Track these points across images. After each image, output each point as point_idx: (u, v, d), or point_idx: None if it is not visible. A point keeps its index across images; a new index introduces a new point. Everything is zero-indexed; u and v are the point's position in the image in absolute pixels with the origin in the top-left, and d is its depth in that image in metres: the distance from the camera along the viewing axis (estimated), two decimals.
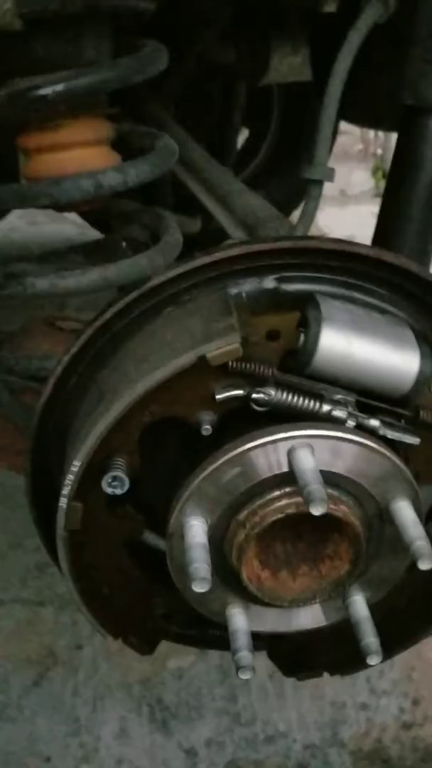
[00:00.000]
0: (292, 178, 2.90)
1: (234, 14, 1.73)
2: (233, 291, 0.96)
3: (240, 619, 0.96)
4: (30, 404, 1.09)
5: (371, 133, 5.48)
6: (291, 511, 0.90)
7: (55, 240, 3.74)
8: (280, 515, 0.90)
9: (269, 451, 0.90)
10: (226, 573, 0.94)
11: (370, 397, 0.95)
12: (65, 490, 0.89)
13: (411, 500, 0.94)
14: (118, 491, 0.90)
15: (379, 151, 5.53)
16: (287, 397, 0.92)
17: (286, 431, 0.89)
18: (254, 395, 0.91)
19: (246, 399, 0.92)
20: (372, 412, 0.95)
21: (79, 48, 1.04)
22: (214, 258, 0.95)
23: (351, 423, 0.93)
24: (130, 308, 0.98)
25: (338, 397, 0.93)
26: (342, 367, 0.92)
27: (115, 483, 0.90)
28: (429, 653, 1.79)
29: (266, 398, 0.91)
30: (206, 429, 0.92)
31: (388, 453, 0.93)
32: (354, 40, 1.19)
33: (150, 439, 0.94)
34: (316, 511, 0.83)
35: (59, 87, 0.98)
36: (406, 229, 1.28)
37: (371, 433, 0.94)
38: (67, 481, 0.89)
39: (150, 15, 1.12)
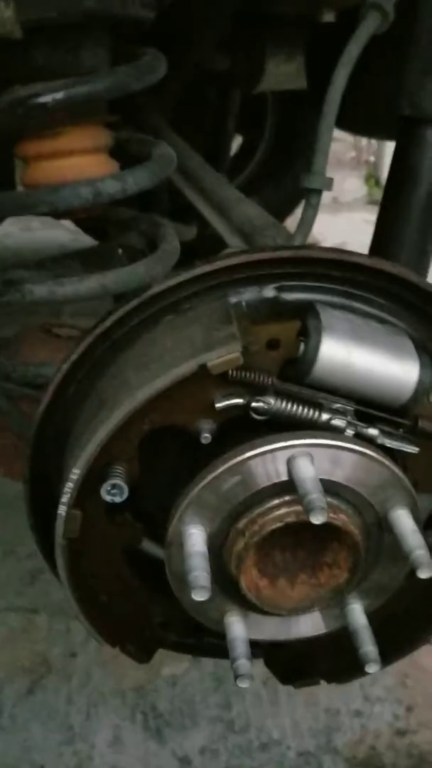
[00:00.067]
0: (286, 185, 2.91)
1: (231, 22, 1.74)
2: (233, 300, 0.96)
3: (238, 627, 0.95)
4: (28, 411, 1.08)
5: (364, 140, 5.51)
6: (290, 519, 0.90)
7: (49, 246, 3.74)
8: (279, 524, 0.90)
9: (269, 460, 0.90)
10: (224, 581, 0.94)
11: (370, 406, 0.95)
12: (64, 498, 0.89)
13: (410, 509, 0.94)
14: (117, 499, 0.90)
15: (372, 159, 5.56)
16: (287, 405, 0.92)
17: (285, 440, 0.89)
18: (254, 404, 0.91)
19: (246, 407, 0.92)
20: (371, 421, 0.95)
21: (79, 56, 1.05)
22: (215, 267, 0.95)
23: (350, 432, 0.93)
24: (129, 316, 0.98)
25: (337, 406, 0.94)
26: (341, 377, 0.92)
27: (115, 491, 0.89)
28: (423, 660, 1.80)
29: (266, 407, 0.91)
30: (206, 437, 0.92)
31: (387, 462, 0.93)
32: (353, 49, 1.19)
33: (149, 447, 0.94)
34: (317, 520, 0.83)
35: (59, 95, 0.98)
36: (403, 239, 1.29)
37: (370, 442, 0.94)
38: (66, 489, 0.89)
39: (149, 24, 1.12)
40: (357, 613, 0.99)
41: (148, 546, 1.00)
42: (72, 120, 1.06)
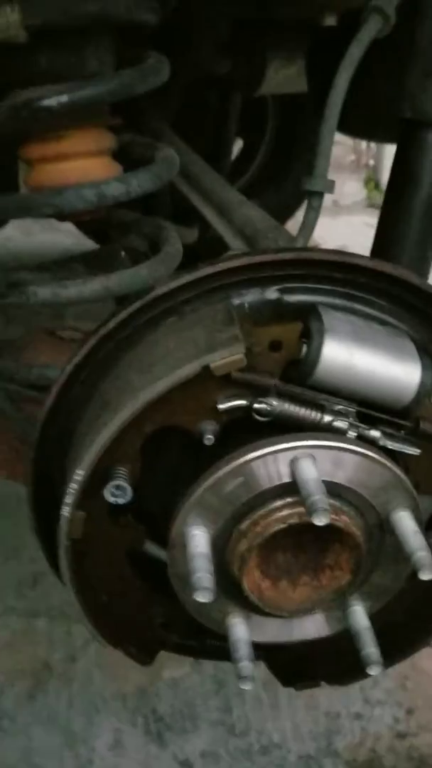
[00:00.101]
0: (287, 188, 2.91)
1: (231, 26, 1.75)
2: (236, 302, 0.96)
3: (241, 629, 0.95)
4: (31, 413, 1.09)
5: (363, 144, 5.52)
6: (293, 521, 0.90)
7: (51, 250, 3.74)
8: (281, 525, 0.90)
9: (271, 462, 0.90)
10: (227, 583, 0.94)
11: (372, 408, 0.95)
12: (68, 499, 0.89)
13: (411, 510, 0.94)
14: (121, 500, 0.90)
15: (372, 162, 5.57)
16: (289, 407, 0.92)
17: (288, 442, 0.90)
18: (256, 405, 0.91)
19: (248, 409, 0.92)
20: (373, 422, 0.95)
21: (83, 59, 1.05)
22: (218, 268, 0.95)
23: (352, 434, 0.93)
24: (132, 318, 0.98)
25: (339, 407, 0.94)
26: (344, 378, 0.93)
27: (118, 492, 0.89)
28: (423, 663, 1.80)
29: (268, 408, 0.91)
30: (208, 439, 0.92)
31: (388, 463, 0.93)
32: (355, 52, 1.19)
33: (152, 448, 0.94)
34: (320, 521, 0.84)
35: (63, 98, 0.99)
36: (404, 242, 1.29)
37: (372, 443, 0.94)
38: (70, 490, 0.89)
39: (153, 28, 1.13)
40: (359, 614, 0.99)
41: (151, 548, 1.00)
42: (76, 123, 1.06)
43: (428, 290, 0.98)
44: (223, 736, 1.66)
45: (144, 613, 1.06)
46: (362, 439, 0.94)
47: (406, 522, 0.94)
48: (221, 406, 0.91)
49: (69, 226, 3.38)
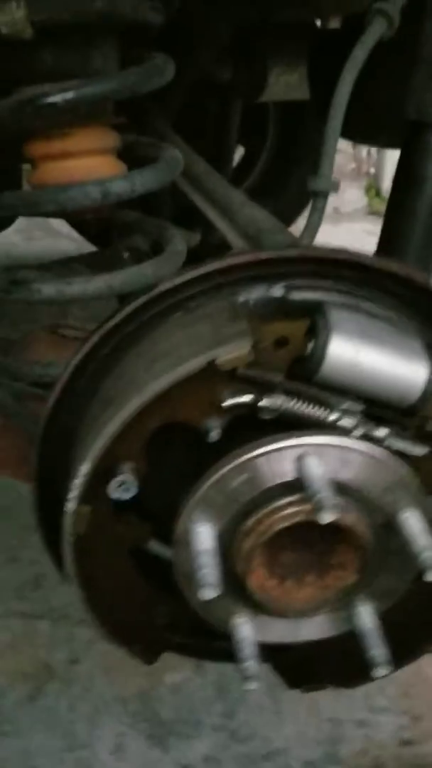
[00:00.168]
0: (287, 195, 2.92)
1: (234, 29, 1.75)
2: (241, 298, 0.96)
3: (246, 629, 0.95)
4: (34, 410, 1.08)
5: (364, 152, 5.54)
6: (299, 519, 0.90)
7: (53, 255, 3.75)
8: (287, 523, 0.90)
9: (277, 459, 0.90)
10: (232, 582, 0.93)
11: (378, 407, 0.95)
12: (73, 493, 0.88)
13: (418, 511, 0.94)
14: (126, 496, 0.90)
15: (372, 170, 5.59)
16: (294, 404, 0.92)
17: (294, 439, 0.89)
18: (262, 402, 0.91)
19: (253, 406, 0.91)
20: (379, 421, 0.95)
21: (88, 57, 1.05)
22: (225, 264, 0.95)
23: (358, 432, 0.93)
24: (137, 314, 0.98)
25: (345, 405, 0.93)
26: (350, 376, 0.92)
27: (123, 487, 0.89)
28: (428, 670, 1.78)
29: (274, 405, 0.91)
30: (213, 435, 0.91)
31: (394, 463, 0.93)
32: (359, 55, 1.20)
33: (156, 445, 0.94)
34: (326, 518, 0.83)
35: (69, 94, 0.99)
36: (409, 244, 1.29)
37: (378, 442, 0.94)
38: (75, 484, 0.88)
39: (158, 28, 1.13)
40: (365, 615, 0.98)
41: (155, 546, 1.00)
42: (80, 121, 1.06)
43: None
44: (226, 742, 1.65)
45: (148, 612, 1.06)
46: (368, 438, 0.93)
47: (412, 522, 0.93)
48: (226, 403, 0.91)
49: (71, 232, 3.39)
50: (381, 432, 0.94)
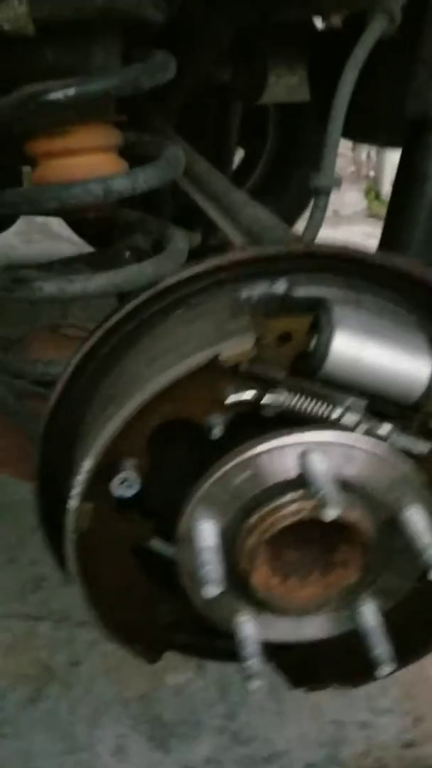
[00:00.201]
0: (287, 197, 2.92)
1: (234, 30, 1.75)
2: (244, 295, 0.96)
3: (249, 627, 0.94)
4: (36, 409, 1.08)
5: (364, 155, 5.55)
6: (302, 516, 0.89)
7: (53, 258, 3.75)
8: (290, 520, 0.89)
9: (280, 456, 0.89)
10: (235, 579, 0.93)
11: (381, 403, 0.95)
12: (75, 490, 0.88)
13: (422, 508, 0.93)
14: (128, 493, 0.89)
15: (372, 173, 5.59)
16: (298, 401, 0.91)
17: (297, 435, 0.89)
18: (264, 399, 0.90)
19: (256, 403, 0.91)
20: (382, 418, 0.95)
21: (90, 54, 1.05)
22: (227, 260, 0.95)
23: (361, 429, 0.93)
24: (139, 311, 0.98)
25: (349, 402, 0.93)
26: (353, 372, 0.92)
27: (125, 484, 0.88)
28: (430, 671, 1.77)
29: (276, 402, 0.91)
30: (216, 432, 0.91)
31: (398, 460, 0.93)
32: (360, 53, 1.20)
33: (158, 442, 0.93)
34: (330, 515, 0.83)
35: (71, 91, 0.98)
36: (410, 241, 1.29)
37: (381, 439, 0.93)
38: (77, 481, 0.88)
39: (158, 26, 1.13)
40: (369, 614, 0.97)
41: (157, 544, 0.99)
42: (82, 118, 1.06)
43: None
44: (228, 744, 1.64)
45: (150, 612, 1.05)
46: (371, 435, 0.93)
47: (416, 519, 0.93)
48: (229, 400, 0.90)
49: (70, 235, 3.39)
50: (384, 428, 0.94)
